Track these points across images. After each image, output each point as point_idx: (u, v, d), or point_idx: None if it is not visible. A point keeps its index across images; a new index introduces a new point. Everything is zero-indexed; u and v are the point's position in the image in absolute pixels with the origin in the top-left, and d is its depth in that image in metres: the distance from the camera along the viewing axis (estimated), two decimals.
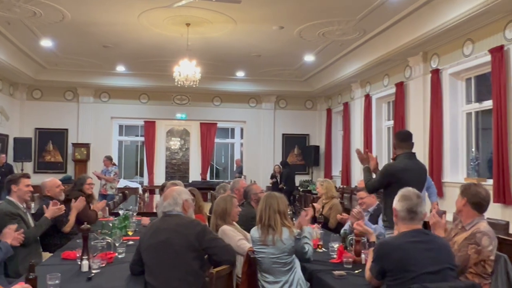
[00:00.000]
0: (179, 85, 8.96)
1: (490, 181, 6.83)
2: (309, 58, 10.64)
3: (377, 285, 2.56)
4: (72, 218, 4.21)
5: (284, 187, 11.77)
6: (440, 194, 7.62)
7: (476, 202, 2.94)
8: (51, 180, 4.44)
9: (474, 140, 7.83)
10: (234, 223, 3.74)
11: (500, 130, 6.54)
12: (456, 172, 7.93)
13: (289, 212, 5.45)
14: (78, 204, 4.22)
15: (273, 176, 12.85)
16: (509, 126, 6.45)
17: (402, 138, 3.95)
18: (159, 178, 15.59)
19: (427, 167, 8.03)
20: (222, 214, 3.62)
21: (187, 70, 8.52)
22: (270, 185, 12.51)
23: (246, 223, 3.90)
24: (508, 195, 6.38)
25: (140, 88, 13.31)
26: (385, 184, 3.78)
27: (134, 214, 5.46)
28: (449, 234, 3.13)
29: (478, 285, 2.22)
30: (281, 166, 12.54)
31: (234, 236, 3.50)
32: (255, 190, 4.41)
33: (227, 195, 3.94)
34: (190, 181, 16.08)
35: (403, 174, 3.45)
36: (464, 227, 2.96)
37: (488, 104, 7.19)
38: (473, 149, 7.72)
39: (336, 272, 2.90)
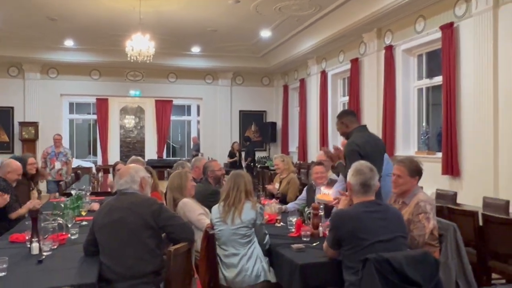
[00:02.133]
0: (132, 61, 8.65)
1: (439, 155, 7.12)
2: (265, 33, 10.54)
3: (334, 255, 2.62)
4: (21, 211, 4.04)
5: (251, 163, 11.83)
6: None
7: (413, 169, 2.99)
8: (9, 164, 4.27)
9: (424, 115, 8.10)
10: (192, 199, 3.68)
11: (449, 105, 6.78)
12: (407, 146, 8.20)
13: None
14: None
15: (232, 155, 12.65)
16: (458, 101, 6.69)
17: (350, 112, 3.96)
18: (113, 157, 15.18)
19: None
20: (178, 188, 3.57)
21: (140, 45, 8.23)
22: (228, 163, 12.39)
23: (204, 200, 3.85)
24: (455, 167, 6.67)
25: (90, 63, 12.76)
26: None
27: (88, 194, 5.29)
28: None
29: (430, 253, 2.31)
30: (241, 143, 12.44)
31: (194, 209, 3.47)
32: (213, 167, 4.36)
33: (181, 170, 3.88)
34: (146, 159, 15.76)
35: (365, 146, 3.48)
36: (404, 202, 3.01)
37: (438, 80, 7.43)
38: (424, 124, 7.99)
39: (295, 246, 2.93)
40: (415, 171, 2.98)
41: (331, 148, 4.92)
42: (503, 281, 4.06)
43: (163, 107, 16.23)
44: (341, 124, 3.79)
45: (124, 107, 16.54)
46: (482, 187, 6.00)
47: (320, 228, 3.30)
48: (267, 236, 3.14)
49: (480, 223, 3.68)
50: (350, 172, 2.64)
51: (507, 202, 4.40)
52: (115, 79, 13.38)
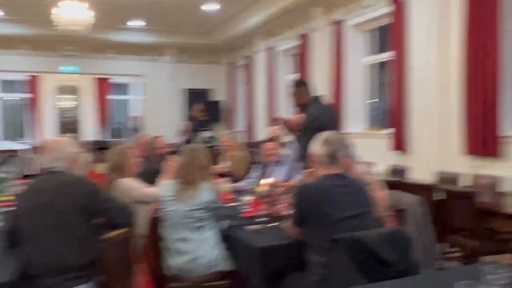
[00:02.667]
0: (65, 33, 7.90)
1: (388, 131, 7.11)
2: (211, 7, 10.05)
3: (296, 234, 2.37)
4: None
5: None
6: None
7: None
8: None
9: (373, 91, 8.08)
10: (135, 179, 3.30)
11: (399, 81, 6.75)
12: (357, 123, 8.16)
13: None
14: None
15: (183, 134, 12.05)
16: (407, 77, 6.67)
17: (305, 82, 3.71)
18: (50, 138, 14.20)
19: None
20: (117, 167, 3.15)
21: (71, 13, 7.43)
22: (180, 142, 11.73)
23: (147, 179, 3.48)
24: (404, 143, 6.68)
25: (20, 36, 11.65)
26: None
27: (18, 176, 4.74)
28: None
29: (402, 230, 2.11)
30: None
31: (136, 186, 3.09)
32: (158, 144, 3.97)
33: (121, 146, 3.45)
34: (85, 141, 14.93)
35: (324, 118, 3.24)
36: None
37: (387, 56, 7.38)
38: (373, 100, 7.96)
39: (251, 227, 2.66)
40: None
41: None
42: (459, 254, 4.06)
43: (102, 85, 15.31)
44: (297, 94, 3.51)
45: (60, 85, 15.42)
46: (429, 162, 6.03)
47: (278, 207, 3.05)
48: (228, 220, 2.81)
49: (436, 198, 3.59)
50: (317, 143, 2.39)
51: (459, 175, 4.38)
52: (49, 54, 12.36)
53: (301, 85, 3.54)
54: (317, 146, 2.37)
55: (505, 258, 3.62)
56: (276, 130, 4.96)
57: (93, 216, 2.21)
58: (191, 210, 2.68)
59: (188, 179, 2.73)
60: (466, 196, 3.26)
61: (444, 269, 1.96)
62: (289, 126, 3.48)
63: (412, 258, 2.06)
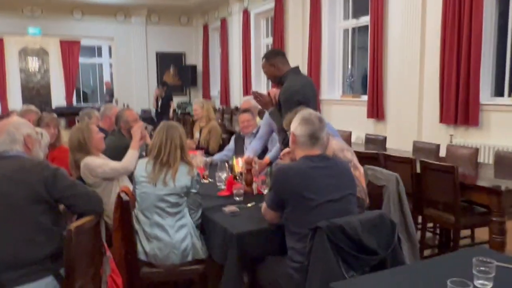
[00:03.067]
0: None
1: (365, 98, 7.02)
2: None
3: (274, 219, 2.25)
4: None
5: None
6: (319, 111, 7.67)
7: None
8: None
9: (350, 57, 7.92)
10: (102, 155, 3.09)
11: (376, 47, 6.60)
12: (333, 89, 8.04)
13: None
14: None
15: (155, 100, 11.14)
16: (385, 43, 6.52)
17: (280, 53, 3.44)
18: (14, 104, 13.58)
19: None
20: (79, 146, 2.92)
21: None
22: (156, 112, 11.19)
23: (117, 156, 3.28)
24: (380, 111, 6.62)
25: None
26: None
27: None
28: None
29: (386, 215, 2.02)
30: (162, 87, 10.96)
31: (102, 162, 2.90)
32: (127, 116, 3.73)
33: (81, 124, 3.21)
34: (53, 107, 14.37)
35: (304, 92, 3.05)
36: None
37: (365, 20, 7.19)
38: (349, 66, 7.81)
39: (228, 209, 2.52)
40: None
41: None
42: (432, 228, 4.07)
43: (70, 48, 14.63)
44: (271, 66, 3.25)
45: (24, 48, 14.65)
46: (406, 130, 6.00)
47: (254, 185, 2.92)
48: (201, 209, 2.63)
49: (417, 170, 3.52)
50: (295, 122, 2.22)
51: (438, 146, 4.33)
52: (9, 14, 11.63)
53: (276, 56, 3.28)
54: (295, 125, 2.21)
55: (481, 234, 3.64)
56: (247, 101, 4.76)
57: (53, 204, 2.02)
58: (166, 194, 2.50)
59: (163, 160, 2.54)
60: (444, 170, 3.20)
61: (429, 259, 1.87)
62: (263, 101, 3.25)
63: (396, 245, 1.98)
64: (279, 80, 3.29)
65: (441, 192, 3.30)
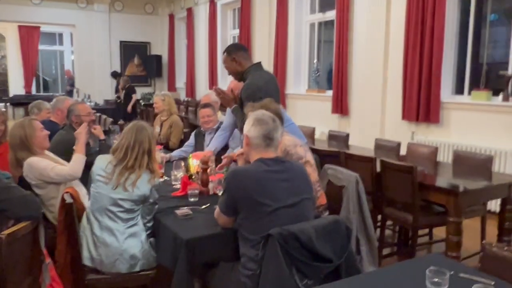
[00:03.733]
0: None
1: (330, 93, 7.00)
2: None
3: (227, 223, 2.15)
4: None
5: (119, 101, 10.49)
6: (284, 106, 7.63)
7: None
8: None
9: (316, 51, 7.88)
10: (47, 152, 2.89)
11: (342, 41, 6.58)
12: (298, 83, 7.99)
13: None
14: None
15: (117, 91, 10.79)
16: (350, 38, 6.50)
17: (242, 47, 3.33)
18: None
19: None
20: (21, 144, 2.69)
21: None
22: (118, 100, 10.70)
23: (67, 152, 3.09)
24: (345, 106, 6.62)
25: None
26: None
27: None
28: None
29: (341, 221, 1.95)
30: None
31: (45, 165, 2.67)
32: (79, 111, 3.53)
33: (24, 118, 2.98)
34: (11, 95, 13.78)
35: (267, 89, 2.95)
36: None
37: (331, 15, 7.15)
38: (315, 61, 7.78)
39: (180, 212, 2.40)
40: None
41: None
42: (391, 226, 4.08)
43: (29, 34, 14.08)
44: (232, 61, 3.14)
45: None
46: (370, 126, 6.02)
47: (211, 185, 2.81)
48: (152, 217, 2.47)
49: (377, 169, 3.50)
50: (249, 122, 2.12)
51: (398, 144, 4.34)
52: None
53: (239, 50, 3.17)
54: (248, 126, 2.11)
55: (439, 231, 3.66)
56: (207, 96, 4.63)
57: None
58: (121, 199, 2.33)
59: (128, 165, 2.35)
60: (404, 170, 3.18)
61: (385, 267, 1.82)
62: (225, 99, 3.13)
63: (350, 251, 1.92)
64: (241, 76, 3.19)
65: (401, 192, 3.28)
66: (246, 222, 2.00)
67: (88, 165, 2.96)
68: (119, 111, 10.10)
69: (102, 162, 2.42)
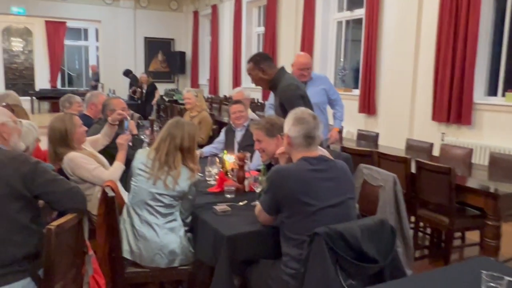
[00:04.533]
0: None
1: (356, 91, 6.94)
2: None
3: (268, 222, 2.14)
4: None
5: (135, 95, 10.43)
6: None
7: (269, 128, 2.55)
8: None
9: (343, 49, 7.81)
10: (85, 146, 2.92)
11: (370, 40, 6.50)
12: None
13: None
14: None
15: (134, 89, 10.52)
16: (379, 37, 6.42)
17: (268, 57, 3.33)
18: None
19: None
20: (61, 139, 2.69)
21: None
22: (134, 96, 10.54)
23: (102, 149, 3.12)
24: (372, 106, 6.54)
25: None
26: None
27: None
28: None
29: (387, 221, 1.92)
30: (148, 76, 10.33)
31: (86, 164, 2.69)
32: (114, 105, 3.56)
33: (64, 113, 3.01)
34: (37, 89, 14.05)
35: (302, 86, 2.96)
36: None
37: (359, 13, 7.08)
38: (342, 59, 7.71)
39: (219, 208, 2.40)
40: (275, 129, 2.51)
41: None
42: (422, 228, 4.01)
43: (56, 30, 14.31)
44: (259, 71, 3.13)
45: (8, 27, 14.27)
46: (398, 126, 5.94)
47: (246, 181, 2.80)
48: (190, 214, 2.48)
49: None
50: (288, 123, 2.10)
51: (431, 145, 4.26)
52: None
53: (266, 60, 3.15)
54: (289, 126, 2.10)
55: (474, 235, 3.59)
56: (240, 92, 4.63)
57: (32, 201, 1.86)
58: (160, 194, 2.34)
59: (161, 159, 2.36)
60: (440, 171, 3.12)
61: (432, 270, 1.78)
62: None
63: (396, 253, 1.89)
64: (267, 83, 3.18)
65: (436, 193, 3.23)
66: (289, 221, 1.98)
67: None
68: (143, 108, 10.09)
69: (143, 156, 2.44)
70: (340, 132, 4.39)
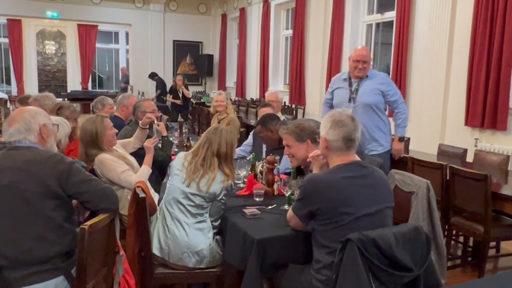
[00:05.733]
0: None
1: None
2: None
3: (300, 227, 2.10)
4: None
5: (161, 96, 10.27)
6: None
7: (298, 132, 2.54)
8: None
9: (372, 52, 7.70)
10: (116, 148, 2.96)
11: (401, 43, 6.39)
12: None
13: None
14: None
15: (175, 92, 9.71)
16: (410, 40, 6.30)
17: (276, 116, 3.50)
18: (31, 87, 13.66)
19: (325, 80, 7.85)
20: (92, 141, 2.75)
21: None
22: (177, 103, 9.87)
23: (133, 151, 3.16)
24: None
25: None
26: None
27: None
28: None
29: (421, 228, 1.86)
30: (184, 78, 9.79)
31: (115, 166, 2.73)
32: (145, 107, 3.61)
33: (95, 115, 3.06)
34: (68, 90, 14.39)
35: None
36: None
37: (390, 16, 6.97)
38: (371, 63, 7.59)
39: (248, 211, 2.38)
40: (305, 134, 2.49)
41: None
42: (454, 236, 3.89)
43: (87, 33, 14.61)
44: (268, 131, 3.32)
45: (42, 30, 14.69)
46: (429, 131, 5.80)
47: (276, 185, 2.78)
48: (219, 217, 2.49)
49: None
50: (326, 125, 2.04)
51: (465, 150, 4.14)
52: None
53: (272, 120, 3.32)
54: (326, 129, 2.03)
55: (510, 244, 3.46)
56: (274, 94, 4.62)
57: (66, 200, 1.90)
58: (192, 193, 2.38)
59: (198, 163, 2.41)
60: (476, 179, 3.02)
61: (472, 281, 1.72)
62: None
63: (431, 262, 1.83)
64: (277, 141, 3.23)
65: (471, 201, 3.13)
66: (322, 229, 1.93)
67: (153, 161, 3.04)
68: (184, 111, 9.87)
69: (180, 158, 2.50)
70: (402, 140, 3.91)
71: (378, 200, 1.95)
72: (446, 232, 3.40)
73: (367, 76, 3.83)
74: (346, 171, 1.96)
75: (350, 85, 3.83)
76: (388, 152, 3.85)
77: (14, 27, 12.99)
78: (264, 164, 2.89)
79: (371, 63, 3.97)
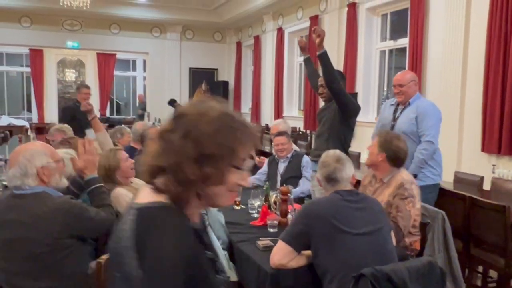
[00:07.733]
0: (66, 7, 7.56)
1: None
2: None
3: (282, 258, 2.02)
4: None
5: None
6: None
7: (396, 158, 2.64)
8: None
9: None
10: (134, 179, 2.99)
11: (414, 69, 6.40)
12: (367, 111, 7.84)
13: None
14: None
15: None
16: (423, 66, 6.32)
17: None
18: (51, 114, 13.96)
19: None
20: (106, 175, 2.70)
21: None
22: None
23: None
24: None
25: (19, 8, 11.23)
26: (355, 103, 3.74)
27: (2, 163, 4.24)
28: (364, 190, 2.79)
29: (435, 263, 1.85)
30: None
31: (127, 202, 2.74)
32: (152, 134, 3.67)
33: (109, 149, 3.06)
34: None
35: None
36: (382, 179, 2.70)
37: (403, 42, 7.02)
38: (385, 88, 7.63)
39: (261, 243, 2.39)
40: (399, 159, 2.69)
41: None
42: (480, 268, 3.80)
43: (106, 61, 14.96)
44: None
45: (62, 59, 15.11)
46: (445, 158, 5.70)
47: (290, 216, 2.78)
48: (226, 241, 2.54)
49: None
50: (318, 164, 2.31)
51: (481, 178, 4.09)
52: (50, 28, 11.98)
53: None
54: (318, 167, 2.30)
55: None
56: (283, 123, 4.64)
57: (81, 239, 1.91)
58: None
59: None
60: (495, 209, 2.98)
61: None
62: (302, 46, 4.32)
63: None
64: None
65: (490, 232, 3.07)
66: (321, 253, 1.96)
67: None
68: None
69: None
70: None
71: (374, 221, 2.04)
72: (467, 264, 3.32)
73: (409, 103, 3.62)
74: (339, 196, 2.10)
75: (395, 111, 3.69)
76: (436, 187, 3.52)
77: (36, 57, 13.39)
78: (278, 194, 2.90)
79: (415, 88, 3.70)
